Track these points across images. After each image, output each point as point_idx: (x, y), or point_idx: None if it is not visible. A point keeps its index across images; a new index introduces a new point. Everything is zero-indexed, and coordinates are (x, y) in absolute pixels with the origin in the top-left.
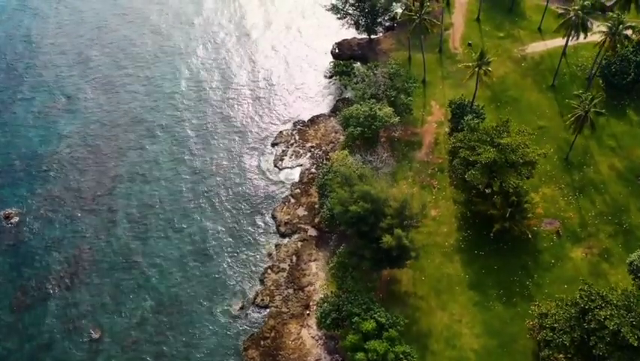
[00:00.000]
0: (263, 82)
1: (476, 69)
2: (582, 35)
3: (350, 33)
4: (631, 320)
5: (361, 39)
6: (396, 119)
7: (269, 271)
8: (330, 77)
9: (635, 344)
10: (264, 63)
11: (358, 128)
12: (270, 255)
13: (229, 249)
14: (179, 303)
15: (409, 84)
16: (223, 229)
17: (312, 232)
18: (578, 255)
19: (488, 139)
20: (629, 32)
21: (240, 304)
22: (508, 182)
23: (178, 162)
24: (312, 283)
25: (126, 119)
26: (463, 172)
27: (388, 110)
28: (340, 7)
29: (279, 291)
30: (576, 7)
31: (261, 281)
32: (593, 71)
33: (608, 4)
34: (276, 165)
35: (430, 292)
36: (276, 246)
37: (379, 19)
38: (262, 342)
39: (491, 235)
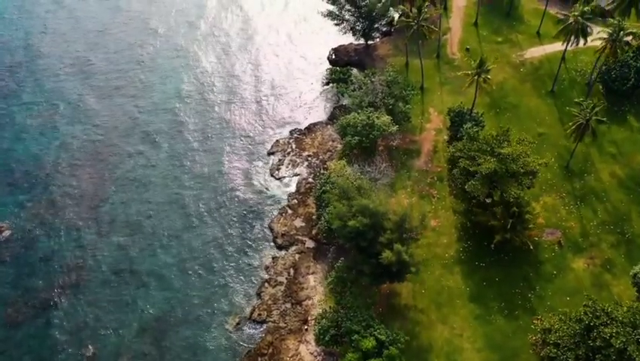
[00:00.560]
0: (258, 89)
1: (475, 77)
2: (582, 41)
3: (347, 39)
4: (637, 337)
5: (358, 45)
6: (395, 128)
7: (266, 284)
8: (327, 84)
9: None
10: (259, 70)
11: (356, 138)
12: (266, 268)
13: (225, 262)
14: (175, 318)
15: (407, 92)
16: (219, 241)
17: (310, 243)
18: (580, 266)
19: (488, 149)
20: (629, 39)
21: (237, 320)
22: (509, 192)
23: (173, 173)
24: (310, 297)
25: (120, 129)
26: (463, 182)
27: (386, 118)
28: (337, 12)
29: (277, 305)
30: (576, 13)
31: (258, 295)
32: (593, 77)
33: (608, 8)
34: (272, 175)
35: (431, 306)
36: (273, 258)
37: (376, 25)
38: (259, 359)
39: (492, 246)
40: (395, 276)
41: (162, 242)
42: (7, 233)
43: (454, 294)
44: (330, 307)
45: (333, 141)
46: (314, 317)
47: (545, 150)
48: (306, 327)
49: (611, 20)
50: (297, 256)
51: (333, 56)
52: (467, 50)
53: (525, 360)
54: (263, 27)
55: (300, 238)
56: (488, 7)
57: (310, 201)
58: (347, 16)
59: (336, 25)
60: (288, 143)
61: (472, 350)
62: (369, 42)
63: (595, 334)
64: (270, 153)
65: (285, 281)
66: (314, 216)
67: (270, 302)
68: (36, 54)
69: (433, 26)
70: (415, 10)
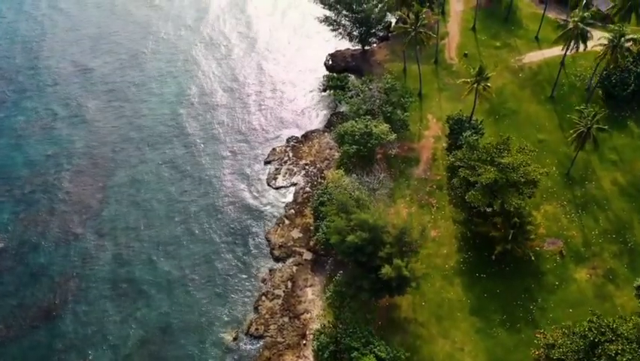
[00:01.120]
0: (254, 96)
1: (475, 85)
2: (582, 46)
3: (343, 44)
4: None
5: (355, 50)
6: (393, 136)
7: (263, 298)
8: (324, 91)
9: None
10: (255, 77)
11: (354, 147)
12: (264, 280)
13: (222, 274)
14: (169, 334)
15: (405, 99)
16: (214, 253)
17: (308, 255)
18: (582, 276)
19: (489, 158)
20: (629, 44)
21: (234, 334)
22: (510, 202)
23: (167, 183)
24: (308, 311)
25: (113, 138)
26: (463, 192)
27: (384, 127)
28: (333, 18)
29: (274, 319)
30: (576, 19)
31: (255, 309)
32: (592, 82)
33: (608, 12)
34: (269, 184)
35: (431, 319)
36: (270, 271)
37: (373, 30)
38: None
39: (493, 257)
40: (395, 290)
41: (158, 254)
42: (0, 245)
43: (454, 306)
44: (328, 321)
45: (330, 149)
46: (312, 332)
47: (545, 157)
48: (304, 342)
49: (612, 26)
50: (294, 268)
51: (330, 62)
52: (465, 55)
53: None
54: (259, 33)
55: (297, 249)
56: (486, 12)
57: (308, 212)
58: (344, 22)
59: (333, 30)
60: (285, 151)
61: None
62: (366, 47)
63: (600, 351)
64: (266, 162)
65: (283, 294)
66: (311, 227)
67: (267, 316)
68: (32, 59)
69: (430, 32)
70: (412, 16)
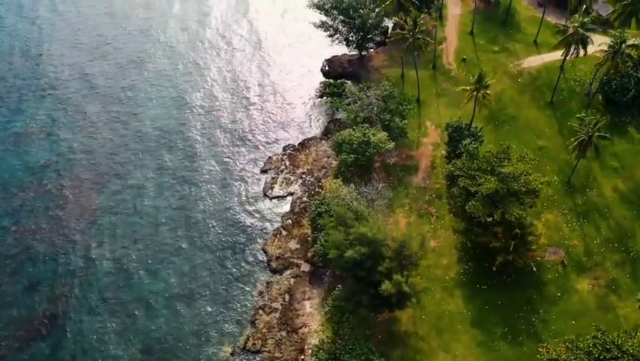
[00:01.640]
0: (250, 103)
1: (474, 93)
2: (582, 51)
3: (340, 49)
4: None
5: (352, 55)
6: (392, 145)
7: (260, 311)
8: (321, 97)
9: None
10: (250, 83)
11: (352, 156)
12: (261, 293)
13: (217, 287)
14: (164, 349)
15: (404, 106)
16: (210, 266)
17: (305, 267)
18: (584, 287)
19: (489, 168)
20: (630, 50)
21: (230, 350)
22: (511, 212)
23: (161, 193)
24: (306, 325)
25: (103, 148)
26: (463, 201)
27: (383, 135)
28: (330, 23)
29: (272, 334)
30: (576, 24)
31: (252, 323)
32: (592, 87)
33: (608, 17)
34: (265, 194)
35: (431, 332)
36: (267, 283)
37: (370, 35)
38: None
39: (494, 268)
40: (395, 305)
41: (151, 267)
42: None
43: (455, 319)
44: (327, 337)
45: (327, 157)
46: (311, 347)
47: (546, 164)
48: (302, 357)
49: (613, 32)
50: (292, 280)
51: (327, 68)
52: (463, 60)
53: None
54: (252, 39)
55: (295, 261)
56: (484, 15)
57: (305, 222)
58: (340, 27)
59: (330, 36)
60: (282, 160)
61: None
62: (364, 53)
63: None
64: (263, 171)
65: (280, 308)
66: (309, 238)
67: (264, 330)
68: (28, 65)
69: (429, 38)
70: (410, 21)
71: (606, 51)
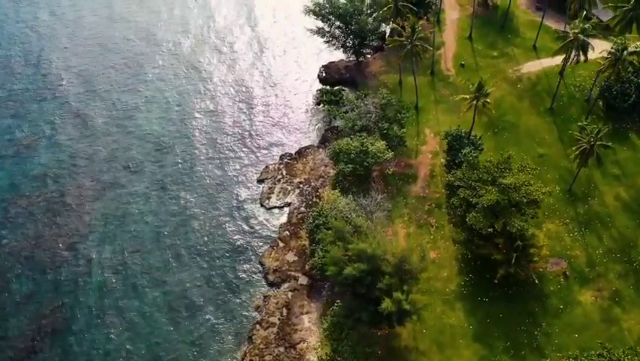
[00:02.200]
0: (246, 111)
1: (474, 102)
2: (582, 58)
3: (337, 55)
4: None
5: (349, 61)
6: (390, 154)
7: (257, 326)
8: (318, 104)
9: None
10: (246, 90)
11: (349, 166)
12: (258, 308)
13: (214, 301)
14: None
15: (402, 114)
16: (206, 279)
17: (303, 280)
18: (587, 299)
19: (489, 178)
20: (632, 58)
21: None
22: (512, 224)
23: (155, 204)
24: (304, 340)
25: (101, 156)
26: (463, 212)
27: (381, 144)
28: (326, 29)
29: (269, 350)
30: (576, 31)
31: (249, 339)
32: (592, 93)
33: (608, 22)
34: (262, 205)
35: (432, 347)
36: (264, 297)
37: (367, 41)
38: None
39: (495, 280)
40: (395, 321)
41: (147, 281)
42: None
43: (456, 333)
44: (326, 354)
45: (325, 166)
46: None
47: (546, 172)
48: None
49: (614, 38)
50: (289, 293)
51: (324, 74)
52: (462, 65)
53: None
54: (250, 45)
55: (292, 273)
56: (482, 20)
57: (303, 233)
58: (337, 33)
59: (326, 42)
60: (279, 169)
61: None
62: (361, 59)
63: None
64: (259, 181)
65: (278, 322)
66: (307, 250)
67: (262, 346)
68: (18, 73)
69: (427, 45)
70: (408, 28)
71: (607, 58)
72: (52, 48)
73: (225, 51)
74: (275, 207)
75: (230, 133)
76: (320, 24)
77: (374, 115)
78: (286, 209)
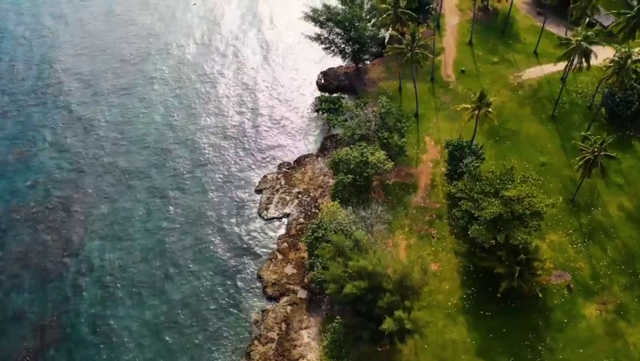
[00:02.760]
0: (243, 119)
1: (475, 112)
2: (585, 64)
3: (336, 61)
4: None
5: (348, 67)
6: (390, 164)
7: (255, 342)
8: (316, 112)
9: None
10: (243, 98)
11: (349, 176)
12: (256, 322)
13: (211, 316)
14: None
15: (402, 123)
16: (203, 293)
17: (302, 293)
18: (591, 312)
19: (492, 190)
20: (636, 66)
21: None
22: (515, 237)
23: (151, 216)
24: (303, 356)
25: (95, 167)
26: (465, 223)
27: (381, 154)
28: (325, 35)
29: None
30: (578, 38)
31: (248, 355)
32: (594, 100)
33: (610, 29)
34: (260, 215)
35: None
36: (262, 312)
37: (366, 48)
38: None
39: (498, 294)
40: (397, 339)
41: (142, 295)
42: None
43: (459, 348)
44: None
45: (324, 176)
46: None
47: (549, 181)
48: None
49: (618, 46)
50: (288, 308)
51: (322, 81)
52: (462, 71)
53: None
54: (249, 50)
55: (291, 287)
56: (482, 25)
57: (302, 245)
58: (336, 40)
59: (325, 49)
60: (277, 179)
61: None
62: (360, 65)
63: None
64: (257, 191)
65: (277, 338)
66: (306, 262)
67: None
68: (13, 80)
69: (427, 53)
70: (408, 36)
71: (611, 66)
72: (53, 52)
73: (223, 57)
74: (273, 218)
75: (227, 141)
76: (318, 30)
77: (374, 124)
78: (285, 220)
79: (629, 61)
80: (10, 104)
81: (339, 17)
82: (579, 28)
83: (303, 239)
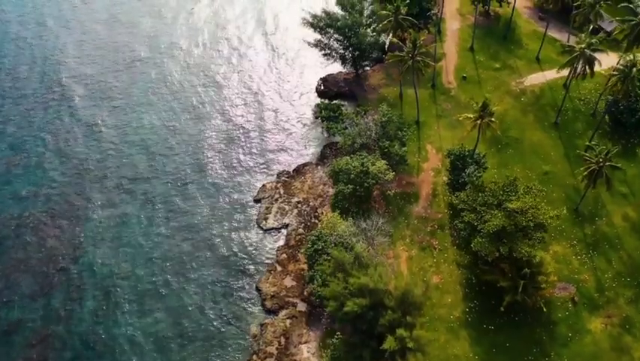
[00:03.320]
0: (241, 127)
1: (478, 121)
2: (589, 71)
3: (336, 68)
4: None
5: (348, 73)
6: (391, 174)
7: (254, 357)
8: (316, 119)
9: None
10: (242, 105)
11: (350, 186)
12: (255, 337)
13: (208, 329)
14: None
15: (403, 132)
16: (201, 305)
17: (302, 306)
18: (597, 326)
19: (495, 202)
20: None
21: None
22: (519, 250)
23: (148, 225)
24: None
25: (91, 174)
26: (468, 235)
27: (382, 164)
28: (325, 42)
29: None
30: (582, 45)
31: None
32: (598, 107)
33: (614, 36)
34: (259, 226)
35: None
36: (261, 325)
37: (366, 54)
38: None
39: (502, 308)
40: (399, 357)
41: (138, 308)
42: None
43: None
44: None
45: (324, 185)
46: None
47: (552, 190)
48: None
49: (623, 54)
50: (287, 321)
51: (322, 87)
52: (464, 78)
53: None
54: (248, 56)
55: (290, 299)
56: (484, 30)
57: (301, 256)
58: (336, 46)
59: (325, 55)
60: (276, 188)
61: None
62: (360, 71)
63: None
64: (256, 200)
65: (276, 352)
66: (305, 274)
67: None
68: (8, 87)
69: (429, 60)
70: (409, 43)
71: (615, 75)
72: (54, 56)
73: (223, 64)
74: (272, 228)
75: (225, 150)
76: (318, 36)
77: (374, 132)
78: (284, 230)
79: (635, 69)
80: (11, 109)
81: (339, 24)
82: (583, 35)
83: (302, 251)
